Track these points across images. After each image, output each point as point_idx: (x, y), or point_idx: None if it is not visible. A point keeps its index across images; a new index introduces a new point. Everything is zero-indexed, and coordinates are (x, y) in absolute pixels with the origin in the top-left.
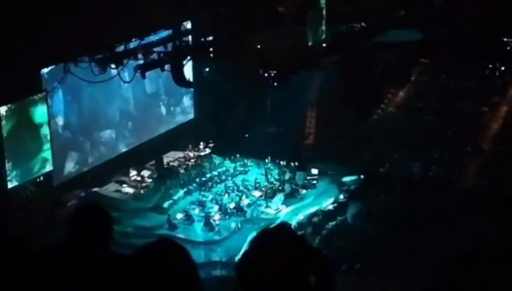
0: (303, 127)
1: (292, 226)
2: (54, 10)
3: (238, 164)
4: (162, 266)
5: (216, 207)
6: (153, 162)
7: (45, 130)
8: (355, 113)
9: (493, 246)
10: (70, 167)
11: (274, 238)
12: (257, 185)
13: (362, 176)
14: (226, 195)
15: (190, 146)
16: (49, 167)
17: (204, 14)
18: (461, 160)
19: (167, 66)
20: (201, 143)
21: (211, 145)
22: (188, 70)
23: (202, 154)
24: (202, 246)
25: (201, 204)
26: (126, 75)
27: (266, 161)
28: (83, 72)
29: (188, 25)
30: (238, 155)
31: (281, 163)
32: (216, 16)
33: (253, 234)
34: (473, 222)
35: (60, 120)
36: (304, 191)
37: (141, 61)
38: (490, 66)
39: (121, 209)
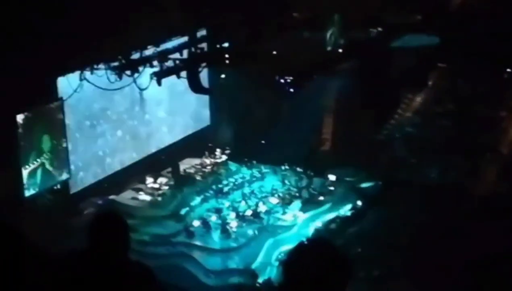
0: (320, 133)
1: (310, 233)
2: (70, 18)
3: (254, 170)
4: None
5: (233, 214)
6: (169, 169)
7: (62, 138)
8: (373, 118)
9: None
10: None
11: (314, 250)
12: (274, 192)
13: (380, 182)
14: (243, 202)
15: (206, 153)
16: (65, 175)
17: (220, 21)
18: (479, 166)
19: (183, 73)
20: (218, 150)
21: (228, 152)
22: (204, 77)
23: (218, 160)
24: (219, 253)
25: (218, 211)
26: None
27: (283, 167)
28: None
29: (204, 32)
30: (254, 162)
31: (298, 169)
32: (231, 22)
33: (270, 241)
34: (492, 228)
35: None
36: (321, 198)
37: (157, 69)
38: (507, 70)
39: (137, 217)
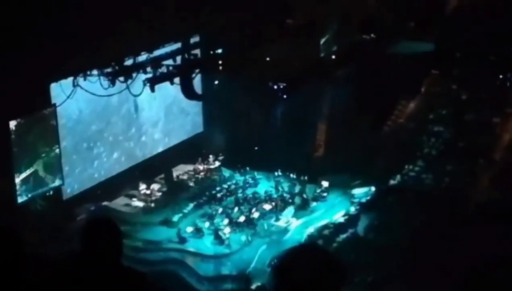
0: (313, 139)
1: (303, 239)
2: (63, 24)
3: (248, 176)
4: None
5: (226, 220)
6: (162, 175)
7: (54, 145)
8: (370, 124)
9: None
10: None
11: (305, 255)
12: (267, 198)
13: (373, 188)
14: (236, 208)
15: (199, 159)
16: (58, 181)
17: (213, 27)
18: (473, 171)
19: (176, 80)
20: (211, 156)
21: (221, 158)
22: (197, 83)
23: (211, 167)
24: (212, 259)
25: (211, 217)
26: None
27: (276, 173)
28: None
29: (197, 38)
30: (248, 168)
31: (291, 175)
32: (225, 28)
33: (263, 247)
34: (486, 234)
35: None
36: (314, 204)
37: (150, 75)
38: (501, 76)
39: (130, 223)
